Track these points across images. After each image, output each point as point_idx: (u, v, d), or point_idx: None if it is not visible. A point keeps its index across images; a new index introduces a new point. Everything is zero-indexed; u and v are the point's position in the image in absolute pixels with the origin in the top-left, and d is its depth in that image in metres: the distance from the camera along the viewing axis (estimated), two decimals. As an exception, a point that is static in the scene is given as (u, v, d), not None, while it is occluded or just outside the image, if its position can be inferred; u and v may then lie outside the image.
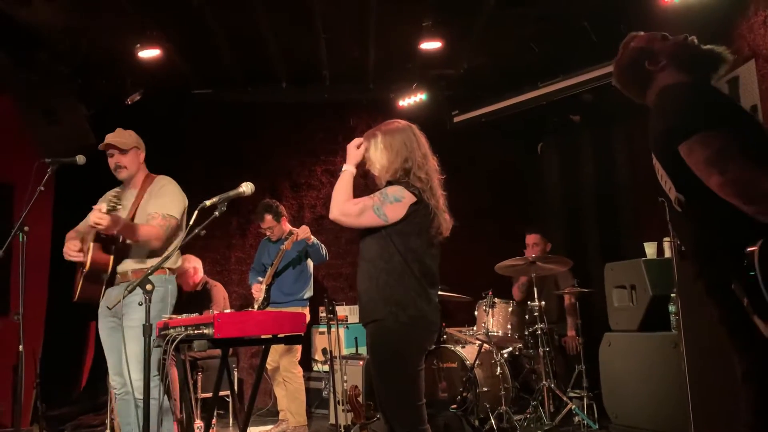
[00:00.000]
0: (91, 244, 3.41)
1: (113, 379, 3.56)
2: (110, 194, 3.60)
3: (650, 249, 4.65)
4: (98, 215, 3.16)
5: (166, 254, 3.00)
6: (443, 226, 2.70)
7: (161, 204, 3.53)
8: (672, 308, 4.14)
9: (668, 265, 4.00)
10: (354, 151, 2.77)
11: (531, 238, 5.76)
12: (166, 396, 3.14)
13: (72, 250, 3.48)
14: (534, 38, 5.85)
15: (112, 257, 3.44)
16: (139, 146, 3.74)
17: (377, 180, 2.79)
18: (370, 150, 2.76)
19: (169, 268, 3.53)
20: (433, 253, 2.69)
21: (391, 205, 2.58)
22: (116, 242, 3.47)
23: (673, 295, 4.07)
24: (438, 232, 2.68)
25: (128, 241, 3.47)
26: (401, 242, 2.59)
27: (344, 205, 2.64)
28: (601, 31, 5.52)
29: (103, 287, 3.54)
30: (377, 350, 2.62)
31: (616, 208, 6.25)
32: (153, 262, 3.41)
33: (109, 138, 3.67)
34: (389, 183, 2.69)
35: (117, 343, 3.44)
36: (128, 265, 3.50)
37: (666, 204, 2.06)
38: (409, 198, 2.60)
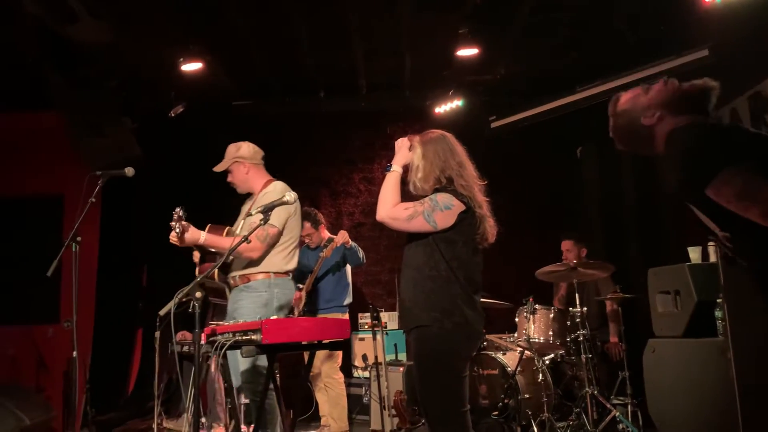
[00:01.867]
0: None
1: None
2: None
3: (694, 254, 4.56)
4: (172, 237, 3.50)
5: (218, 263, 3.09)
6: (489, 232, 2.71)
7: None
8: (718, 314, 4.05)
9: (714, 270, 3.91)
10: (405, 151, 2.78)
11: (564, 245, 5.76)
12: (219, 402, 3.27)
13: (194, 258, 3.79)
14: (571, 43, 5.82)
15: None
16: (239, 158, 3.88)
17: (413, 188, 2.80)
18: (412, 155, 2.80)
19: (274, 272, 3.64)
20: (478, 261, 2.70)
21: (442, 212, 2.60)
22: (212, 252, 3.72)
23: (719, 300, 3.98)
24: (483, 239, 2.70)
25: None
26: (448, 250, 2.60)
27: (394, 209, 2.66)
28: (639, 34, 5.47)
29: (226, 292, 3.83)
30: (421, 357, 2.62)
31: (658, 213, 6.15)
32: (257, 267, 3.62)
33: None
34: (436, 190, 2.70)
35: None
36: (235, 271, 3.71)
37: (717, 242, 2.02)
38: (458, 206, 2.62)
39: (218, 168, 3.91)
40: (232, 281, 3.74)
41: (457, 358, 2.59)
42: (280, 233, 3.68)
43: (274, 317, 3.11)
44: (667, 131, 1.96)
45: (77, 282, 3.60)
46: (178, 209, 3.57)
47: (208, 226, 3.84)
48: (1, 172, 6.68)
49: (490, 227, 2.72)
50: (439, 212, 2.60)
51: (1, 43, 4.82)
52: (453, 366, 2.57)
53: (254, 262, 3.65)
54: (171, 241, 3.52)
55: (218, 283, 3.87)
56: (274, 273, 3.65)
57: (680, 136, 1.92)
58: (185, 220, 3.54)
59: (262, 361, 3.41)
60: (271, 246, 3.66)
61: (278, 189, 3.66)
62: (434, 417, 2.58)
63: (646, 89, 2.04)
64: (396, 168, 2.76)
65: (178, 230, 3.48)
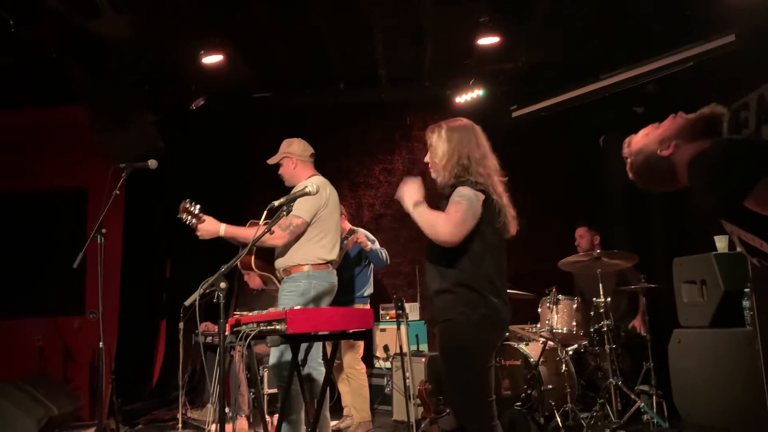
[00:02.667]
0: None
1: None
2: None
3: (721, 243, 4.50)
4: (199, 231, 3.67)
5: (242, 254, 3.13)
6: (510, 223, 2.70)
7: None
8: (746, 303, 4.00)
9: (741, 259, 3.86)
10: (416, 188, 2.71)
11: (578, 231, 5.84)
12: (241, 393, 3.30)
13: None
14: (594, 30, 5.73)
15: (252, 257, 3.86)
16: (288, 154, 4.02)
17: (434, 171, 2.79)
18: (433, 138, 2.80)
19: (312, 264, 3.74)
20: (503, 249, 2.69)
21: (476, 202, 2.58)
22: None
23: (747, 290, 3.93)
24: (505, 229, 2.69)
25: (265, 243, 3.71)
26: (477, 240, 2.59)
27: (452, 229, 2.56)
28: (663, 21, 5.37)
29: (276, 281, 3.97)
30: (449, 349, 2.61)
31: (682, 202, 6.05)
32: (295, 260, 3.74)
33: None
34: (453, 186, 2.68)
35: None
36: (279, 263, 3.83)
37: (761, 262, 1.97)
38: (481, 195, 2.61)
39: (271, 161, 4.07)
40: (278, 274, 3.88)
41: (483, 349, 2.58)
42: (307, 224, 3.75)
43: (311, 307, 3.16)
44: (688, 158, 1.92)
45: (102, 274, 3.64)
46: (184, 202, 3.61)
47: (249, 222, 3.92)
48: (26, 167, 6.79)
49: (512, 218, 2.71)
50: (470, 214, 2.57)
51: (24, 39, 4.88)
52: (480, 357, 2.56)
53: (292, 256, 3.76)
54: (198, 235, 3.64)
55: (264, 274, 4.01)
56: (312, 265, 3.74)
57: (703, 160, 1.87)
58: (199, 212, 3.59)
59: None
60: (297, 236, 3.72)
61: (308, 182, 3.71)
62: (461, 408, 2.59)
63: (656, 126, 2.02)
64: (419, 204, 2.65)
65: (191, 223, 3.54)
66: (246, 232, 3.68)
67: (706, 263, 4.38)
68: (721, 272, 4.25)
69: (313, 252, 3.76)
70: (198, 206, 3.64)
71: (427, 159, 2.83)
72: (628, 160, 2.10)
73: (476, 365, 2.55)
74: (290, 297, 3.67)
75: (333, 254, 3.89)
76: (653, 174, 2.05)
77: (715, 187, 1.83)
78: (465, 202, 2.57)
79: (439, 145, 2.76)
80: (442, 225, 2.56)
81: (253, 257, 3.87)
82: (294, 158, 4.01)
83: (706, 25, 5.13)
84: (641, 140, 2.05)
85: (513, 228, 2.73)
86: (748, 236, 1.87)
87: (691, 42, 5.22)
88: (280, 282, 3.89)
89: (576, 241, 5.83)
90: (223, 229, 3.66)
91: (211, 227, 3.64)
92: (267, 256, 3.92)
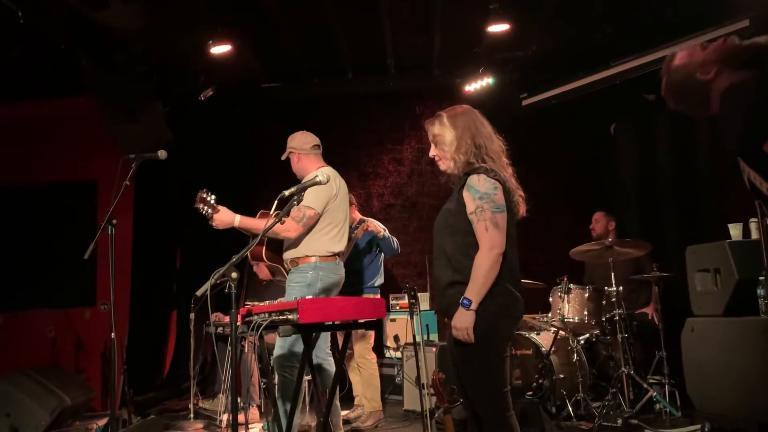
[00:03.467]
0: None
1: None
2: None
3: (735, 231, 4.44)
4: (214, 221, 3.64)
5: (252, 244, 3.11)
6: (521, 205, 2.68)
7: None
8: (761, 292, 3.95)
9: (755, 247, 3.82)
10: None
11: (595, 216, 5.81)
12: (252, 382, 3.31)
13: None
14: (605, 16, 5.66)
15: (263, 248, 3.88)
16: (294, 148, 3.99)
17: (444, 161, 2.71)
18: (435, 128, 2.72)
19: (320, 255, 3.73)
20: (515, 238, 2.64)
21: (496, 196, 2.54)
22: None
23: (761, 278, 3.88)
24: (517, 212, 2.66)
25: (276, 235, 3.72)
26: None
27: (498, 242, 2.50)
28: (676, 6, 5.29)
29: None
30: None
31: (695, 190, 6.00)
32: (303, 251, 3.73)
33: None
34: (467, 174, 2.62)
35: None
36: (287, 255, 3.83)
37: (763, 205, 1.99)
38: (498, 186, 2.57)
39: (283, 157, 4.07)
40: (286, 265, 3.87)
41: (499, 339, 2.55)
42: (319, 215, 3.73)
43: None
44: (724, 88, 1.93)
45: (113, 265, 3.64)
46: (201, 192, 3.61)
47: (260, 212, 3.91)
48: (35, 159, 6.81)
49: (521, 200, 2.68)
50: (495, 198, 2.53)
51: (33, 30, 4.87)
52: (496, 347, 2.53)
53: (301, 247, 3.74)
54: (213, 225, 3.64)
55: (273, 265, 4.01)
56: (320, 256, 3.73)
57: (737, 92, 1.89)
58: (214, 203, 3.59)
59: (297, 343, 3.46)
60: (309, 228, 3.71)
61: (317, 172, 3.69)
62: (477, 398, 2.56)
63: (704, 46, 2.01)
64: (478, 289, 2.48)
65: (207, 213, 3.54)
66: (259, 224, 3.66)
67: (719, 251, 4.32)
68: (735, 260, 4.19)
69: (321, 243, 3.76)
70: (214, 196, 3.63)
71: (432, 153, 2.75)
72: (665, 78, 2.08)
73: (493, 356, 2.52)
74: (297, 288, 3.68)
75: (341, 246, 3.87)
76: (686, 94, 2.05)
77: (742, 123, 1.83)
78: (488, 206, 2.51)
79: (445, 133, 2.69)
80: (484, 253, 2.48)
81: (264, 248, 3.87)
82: (296, 152, 4.00)
83: (720, 10, 5.05)
84: (684, 58, 2.04)
85: (523, 209, 2.70)
86: (758, 179, 1.87)
87: (704, 27, 5.14)
88: (287, 273, 3.89)
89: (591, 224, 5.80)
90: (238, 220, 3.65)
91: (226, 217, 3.63)
92: (277, 247, 3.91)
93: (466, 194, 2.57)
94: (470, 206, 2.54)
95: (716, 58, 1.96)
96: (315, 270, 3.70)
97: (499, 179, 2.58)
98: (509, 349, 2.59)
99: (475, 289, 2.45)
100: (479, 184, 2.54)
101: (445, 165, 2.72)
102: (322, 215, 3.75)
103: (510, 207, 2.59)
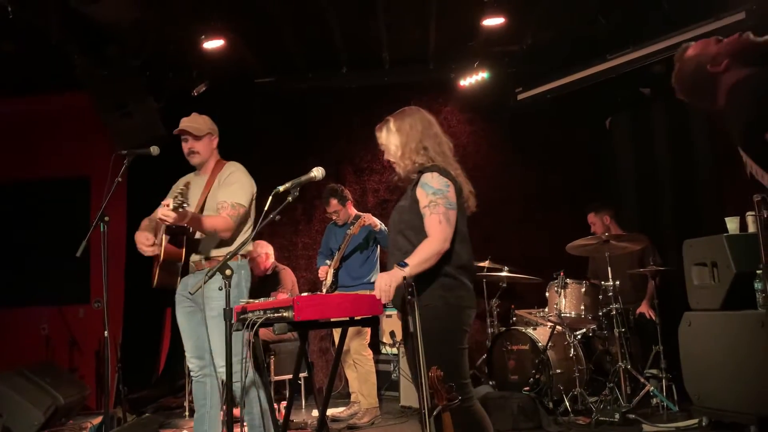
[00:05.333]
0: (164, 236, 3.49)
1: (191, 362, 3.65)
2: (178, 187, 3.61)
3: (732, 224, 4.43)
4: (164, 212, 3.15)
5: (243, 240, 3.04)
6: (471, 200, 2.78)
7: (230, 192, 3.55)
8: (758, 285, 3.95)
9: (753, 241, 3.80)
10: (387, 277, 2.58)
11: (589, 218, 5.76)
12: (258, 378, 3.23)
13: (145, 245, 3.54)
14: (601, 9, 5.62)
15: (183, 248, 3.51)
16: (212, 132, 3.80)
17: (396, 166, 2.84)
18: (382, 136, 2.86)
19: (241, 255, 3.56)
20: (466, 234, 2.75)
21: (449, 193, 2.64)
22: (186, 233, 3.53)
23: (759, 271, 3.87)
24: (467, 207, 2.77)
25: (198, 232, 3.52)
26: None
27: (445, 236, 2.59)
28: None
29: (179, 277, 3.62)
30: (428, 334, 2.53)
31: (692, 183, 5.99)
32: (225, 250, 3.45)
33: (184, 123, 3.73)
34: (420, 172, 2.72)
35: (195, 327, 3.55)
36: (201, 255, 3.56)
37: (764, 199, 2.03)
38: (450, 184, 2.67)
39: (197, 131, 3.78)
40: (194, 264, 3.57)
41: (459, 331, 2.65)
42: (247, 213, 3.60)
43: (244, 300, 3.06)
44: (733, 81, 1.96)
45: (106, 262, 3.59)
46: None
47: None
48: (28, 155, 6.75)
49: (471, 195, 2.79)
50: (447, 194, 2.63)
51: (25, 25, 4.81)
52: (456, 340, 2.63)
53: (224, 243, 3.51)
54: (161, 216, 3.18)
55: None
56: (241, 255, 3.55)
57: (744, 86, 1.92)
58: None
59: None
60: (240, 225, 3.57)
61: (241, 171, 3.69)
62: None
63: (718, 39, 2.05)
64: (405, 267, 2.54)
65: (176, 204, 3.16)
66: (206, 221, 3.42)
67: (717, 245, 4.32)
68: (733, 254, 4.19)
69: (247, 242, 3.43)
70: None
71: (385, 158, 2.87)
72: (677, 65, 2.11)
73: (453, 349, 2.61)
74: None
75: (250, 247, 3.80)
76: (695, 85, 2.08)
77: (744, 115, 1.88)
78: (441, 202, 2.61)
79: (390, 139, 2.82)
80: (436, 241, 2.57)
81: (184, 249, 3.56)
82: (215, 139, 3.82)
83: (716, 2, 5.04)
84: (697, 49, 2.07)
85: (473, 204, 2.80)
86: (759, 171, 1.91)
87: (700, 20, 5.13)
88: (190, 271, 3.60)
89: (591, 228, 5.72)
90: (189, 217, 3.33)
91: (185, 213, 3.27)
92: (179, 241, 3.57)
93: (419, 191, 2.68)
94: (423, 201, 2.65)
95: (729, 52, 1.99)
96: (239, 269, 3.46)
97: (451, 178, 2.68)
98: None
99: (417, 260, 2.53)
100: (433, 181, 2.66)
101: (398, 169, 2.86)
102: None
103: (460, 205, 2.70)
